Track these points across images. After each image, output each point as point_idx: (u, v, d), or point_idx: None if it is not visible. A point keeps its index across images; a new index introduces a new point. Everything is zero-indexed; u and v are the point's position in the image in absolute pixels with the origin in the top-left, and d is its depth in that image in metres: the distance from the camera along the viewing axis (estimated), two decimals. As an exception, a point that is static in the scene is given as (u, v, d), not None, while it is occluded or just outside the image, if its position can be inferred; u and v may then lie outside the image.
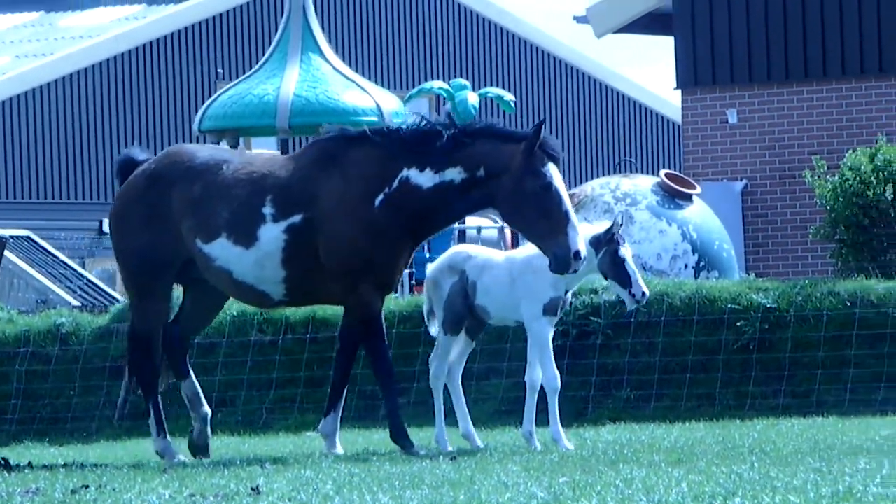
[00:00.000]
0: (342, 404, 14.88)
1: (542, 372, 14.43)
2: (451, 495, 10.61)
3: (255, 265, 14.52)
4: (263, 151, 24.43)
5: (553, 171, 14.26)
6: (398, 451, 14.50)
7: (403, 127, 14.74)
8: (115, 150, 43.60)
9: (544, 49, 50.87)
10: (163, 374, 15.21)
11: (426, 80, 39.62)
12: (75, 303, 28.04)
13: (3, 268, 27.97)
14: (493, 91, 28.72)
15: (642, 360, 18.82)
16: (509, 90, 34.02)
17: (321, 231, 14.43)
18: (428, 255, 23.81)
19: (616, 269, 14.27)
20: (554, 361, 14.47)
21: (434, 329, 14.75)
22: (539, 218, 14.23)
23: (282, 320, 19.52)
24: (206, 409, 15.12)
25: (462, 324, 14.70)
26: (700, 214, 22.52)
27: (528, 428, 14.64)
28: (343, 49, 39.26)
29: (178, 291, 15.57)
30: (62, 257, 31.21)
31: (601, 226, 14.48)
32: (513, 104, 27.95)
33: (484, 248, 15.01)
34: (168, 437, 15.08)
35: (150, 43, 44.75)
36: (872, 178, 23.40)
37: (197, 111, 28.60)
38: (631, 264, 14.31)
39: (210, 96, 29.69)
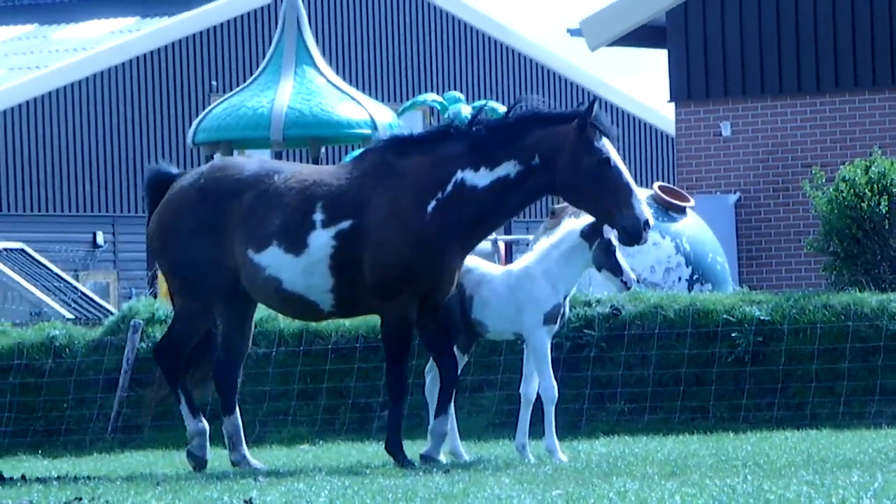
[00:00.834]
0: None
1: (540, 382, 14.46)
2: (444, 508, 10.64)
3: (305, 272, 14.45)
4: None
5: (608, 146, 14.27)
6: (392, 464, 14.49)
7: (459, 127, 14.70)
8: (109, 163, 43.65)
9: (538, 62, 50.92)
10: (198, 387, 15.18)
11: (420, 92, 39.67)
12: (69, 315, 28.05)
13: (-3, 281, 28.02)
14: (489, 104, 28.74)
15: (636, 373, 18.82)
16: (504, 103, 34.05)
17: (368, 238, 14.37)
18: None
19: (609, 260, 14.37)
20: (551, 372, 14.49)
21: None
22: (602, 193, 14.23)
23: (275, 333, 19.50)
24: (244, 449, 15.02)
25: (457, 337, 14.73)
26: (694, 227, 22.53)
27: (522, 440, 14.66)
28: (337, 61, 39.29)
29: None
30: (56, 270, 31.22)
31: (586, 219, 14.52)
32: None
33: (481, 260, 15.00)
34: (204, 420, 14.92)
35: (144, 55, 44.76)
36: (867, 191, 23.40)
37: (191, 123, 28.61)
38: (619, 254, 14.40)
39: (204, 108, 29.69)
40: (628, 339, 18.92)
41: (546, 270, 14.52)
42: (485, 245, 27.39)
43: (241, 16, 46.37)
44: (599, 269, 14.50)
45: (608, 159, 14.22)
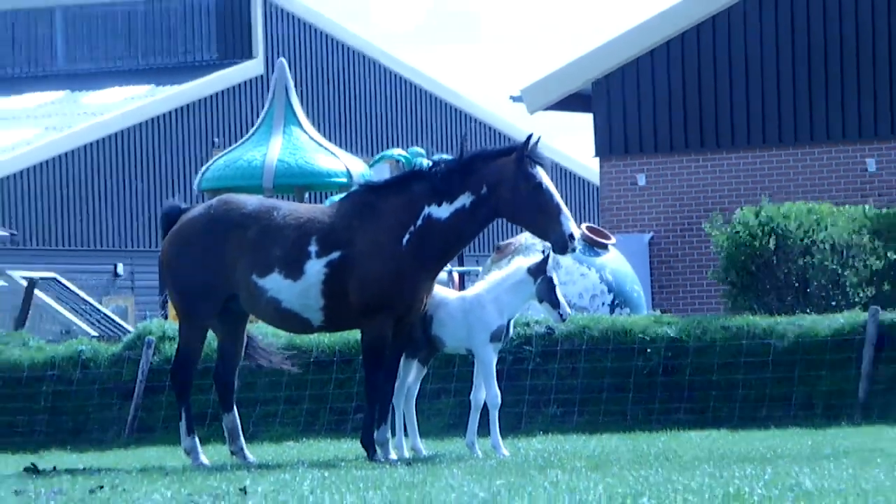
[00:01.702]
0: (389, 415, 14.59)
1: (486, 391, 14.45)
2: (407, 495, 10.58)
3: (301, 294, 14.41)
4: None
5: (542, 173, 14.29)
6: (364, 458, 14.45)
7: (420, 172, 14.73)
8: (127, 207, 43.60)
9: (486, 123, 51.09)
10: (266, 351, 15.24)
11: (388, 147, 39.65)
12: (94, 333, 27.95)
13: (33, 304, 27.86)
14: (444, 157, 28.72)
15: (567, 382, 18.81)
16: (457, 157, 34.03)
17: (354, 267, 14.35)
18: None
19: (550, 294, 14.35)
20: (496, 381, 14.49)
21: None
22: (537, 213, 14.24)
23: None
24: (242, 442, 14.97)
25: (419, 350, 14.71)
26: (615, 261, 22.54)
27: (472, 439, 14.64)
28: (319, 121, 39.24)
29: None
30: (83, 295, 31.12)
31: (533, 258, 14.54)
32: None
33: (440, 287, 15.01)
34: (196, 437, 14.88)
35: (158, 117, 44.78)
36: (758, 232, 23.45)
37: (197, 173, 28.57)
38: (558, 290, 14.40)
39: (207, 161, 29.64)
40: (560, 353, 18.92)
41: (495, 298, 14.53)
42: (442, 275, 27.46)
43: (239, 84, 46.38)
44: (540, 301, 14.50)
45: (541, 184, 14.26)
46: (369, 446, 14.46)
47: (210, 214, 14.77)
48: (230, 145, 31.29)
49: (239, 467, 14.12)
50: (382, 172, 25.52)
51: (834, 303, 22.98)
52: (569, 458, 13.74)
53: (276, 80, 27.92)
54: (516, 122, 49.90)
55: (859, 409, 18.05)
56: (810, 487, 10.27)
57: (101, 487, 11.92)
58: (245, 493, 11.15)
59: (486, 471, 12.58)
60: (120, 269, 42.44)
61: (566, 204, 14.64)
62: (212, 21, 47.22)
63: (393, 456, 14.42)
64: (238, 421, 15.04)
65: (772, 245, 23.30)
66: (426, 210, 14.40)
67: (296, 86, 28.76)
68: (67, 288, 31.02)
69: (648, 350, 18.75)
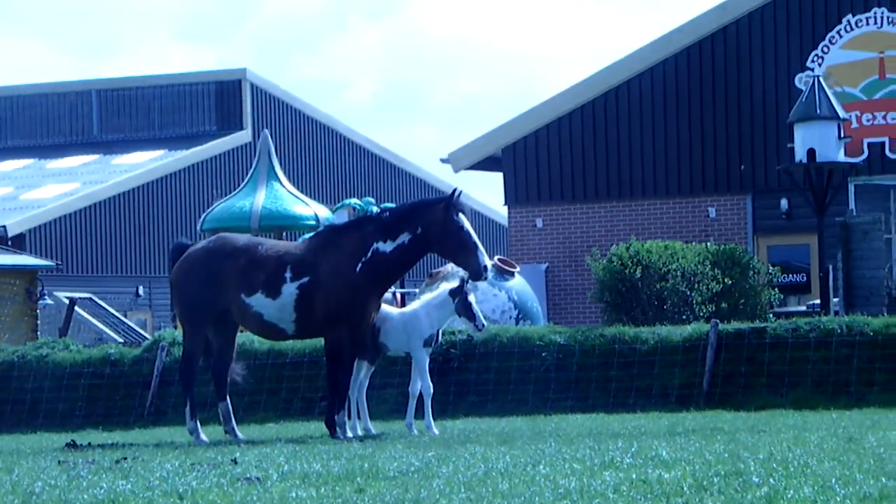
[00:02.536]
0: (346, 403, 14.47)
1: (422, 383, 14.43)
2: (359, 463, 10.54)
3: (278, 310, 14.32)
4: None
5: (463, 219, 14.26)
6: (327, 436, 14.37)
7: (371, 216, 14.71)
8: (146, 242, 43.34)
9: (422, 179, 51.11)
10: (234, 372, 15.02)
11: (347, 197, 39.58)
12: (120, 340, 27.71)
13: (73, 318, 27.64)
14: (389, 205, 28.67)
15: (483, 377, 18.76)
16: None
17: (319, 288, 14.27)
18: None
19: (466, 310, 14.32)
20: (429, 376, 14.45)
21: None
22: (459, 249, 14.19)
23: (252, 351, 19.34)
24: (233, 423, 14.85)
25: (369, 353, 14.67)
26: (520, 284, 22.56)
27: (409, 421, 14.60)
28: (294, 177, 39.13)
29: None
30: (111, 310, 30.87)
31: (454, 284, 14.56)
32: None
33: (386, 305, 14.98)
34: (197, 420, 14.75)
35: (170, 175, 44.61)
36: (628, 262, 23.53)
37: (199, 217, 28.43)
38: (475, 307, 14.37)
39: (209, 207, 29.50)
40: (478, 355, 18.88)
41: (427, 313, 14.53)
42: (388, 296, 27.39)
43: (233, 149, 46.27)
44: (460, 315, 14.51)
45: (462, 227, 14.25)
46: (331, 427, 14.40)
47: (209, 248, 14.73)
48: (226, 195, 31.18)
49: (231, 443, 14.02)
50: (342, 217, 25.46)
51: (684, 316, 23.07)
52: (483, 435, 13.72)
53: (261, 146, 27.83)
54: (445, 179, 50.00)
55: (703, 397, 18.08)
56: (666, 457, 10.29)
57: (125, 458, 11.83)
58: (236, 462, 11.08)
59: (420, 445, 12.56)
60: (141, 290, 42.21)
61: (482, 242, 14.63)
62: (212, 101, 47.10)
63: (349, 434, 14.36)
64: (230, 407, 14.95)
65: (638, 273, 23.39)
66: (374, 245, 14.38)
67: (276, 151, 28.67)
68: (100, 305, 30.77)
69: (544, 353, 18.73)
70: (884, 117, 28.75)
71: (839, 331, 18.04)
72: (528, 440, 12.78)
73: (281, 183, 27.32)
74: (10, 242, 37.97)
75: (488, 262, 14.30)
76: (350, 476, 9.76)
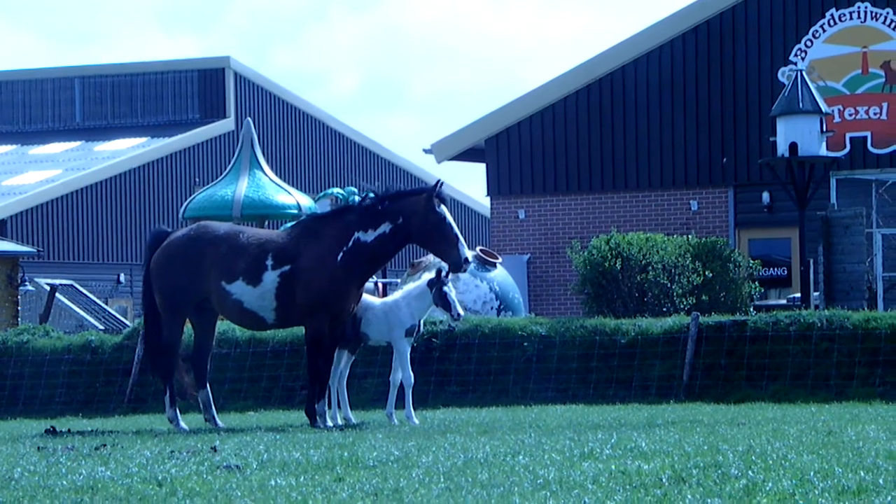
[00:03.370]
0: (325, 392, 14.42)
1: (402, 373, 14.41)
2: (339, 452, 10.53)
3: (259, 297, 14.26)
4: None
5: (445, 210, 14.22)
6: (307, 425, 14.36)
7: (352, 205, 14.65)
8: (127, 230, 43.25)
9: (405, 169, 51.08)
10: (187, 385, 14.90)
11: (329, 187, 39.54)
12: (101, 327, 27.65)
13: (54, 304, 27.56)
14: (370, 193, 28.61)
15: (464, 367, 18.78)
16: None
17: (300, 277, 14.24)
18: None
19: (442, 300, 14.32)
20: (409, 366, 14.45)
21: None
22: (440, 240, 14.14)
23: (233, 340, 19.33)
24: (213, 411, 14.81)
25: (349, 343, 14.66)
26: (501, 275, 22.57)
27: (390, 410, 14.59)
28: (276, 165, 39.09)
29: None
30: (93, 297, 30.79)
31: (432, 274, 14.54)
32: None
33: (367, 295, 14.96)
34: (177, 408, 14.72)
35: (152, 162, 44.50)
36: (608, 255, 23.54)
37: (181, 206, 28.36)
38: (453, 297, 14.36)
39: (190, 196, 29.43)
40: (459, 346, 18.89)
41: (408, 304, 14.52)
42: (369, 285, 27.39)
43: (216, 137, 46.17)
44: (437, 305, 14.51)
45: (444, 218, 14.22)
46: (311, 416, 14.39)
47: (191, 236, 14.68)
48: (208, 183, 31.10)
49: (211, 431, 13.99)
50: (325, 206, 25.43)
51: (665, 309, 23.10)
52: (464, 425, 13.72)
53: (244, 135, 27.75)
54: (428, 169, 49.98)
55: (683, 389, 18.11)
56: (645, 449, 10.30)
57: (105, 445, 11.81)
58: (215, 450, 11.07)
59: (400, 434, 12.55)
60: (122, 278, 42.11)
61: (464, 233, 14.59)
62: (195, 89, 46.99)
63: (329, 423, 14.35)
64: (210, 395, 14.92)
65: (618, 265, 23.40)
66: (356, 235, 14.35)
67: (259, 139, 28.61)
68: (81, 292, 30.68)
69: (525, 343, 18.74)
70: (866, 112, 28.81)
71: (819, 324, 18.08)
72: (508, 430, 12.77)
73: (263, 172, 27.26)
74: (-9, 228, 37.86)
75: (469, 255, 14.28)
76: (330, 465, 9.75)
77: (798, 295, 24.41)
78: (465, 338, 18.87)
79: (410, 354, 14.66)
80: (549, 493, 8.19)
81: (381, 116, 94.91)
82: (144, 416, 18.01)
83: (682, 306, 23.15)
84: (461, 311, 14.35)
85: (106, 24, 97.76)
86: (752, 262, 25.56)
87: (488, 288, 22.15)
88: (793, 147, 23.04)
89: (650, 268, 23.51)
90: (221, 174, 28.87)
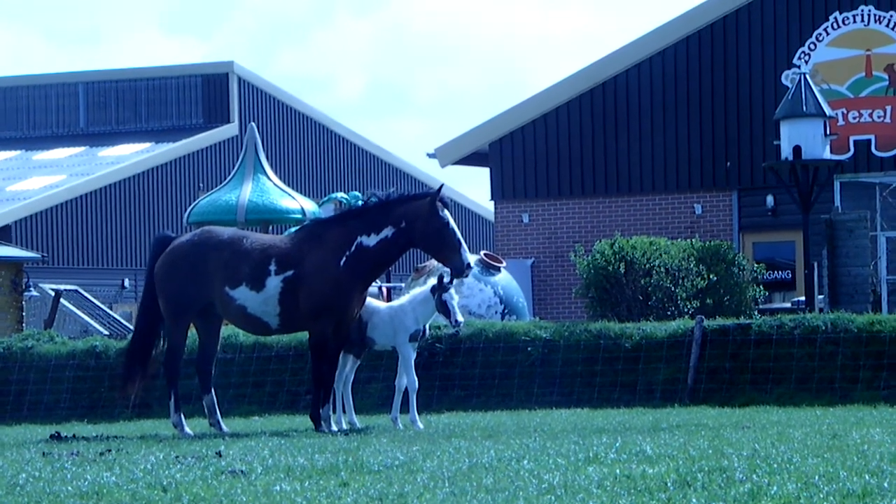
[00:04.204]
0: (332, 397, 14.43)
1: (407, 377, 14.42)
2: (344, 457, 10.54)
3: (263, 303, 14.27)
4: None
5: (447, 215, 14.23)
6: (312, 429, 14.36)
7: (355, 210, 14.65)
8: (132, 235, 43.27)
9: (408, 174, 51.10)
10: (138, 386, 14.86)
11: (333, 191, 39.56)
12: (105, 332, 27.65)
13: (59, 310, 27.57)
14: (376, 192, 28.61)
15: (468, 371, 18.77)
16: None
17: (304, 282, 14.24)
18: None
19: (443, 306, 14.33)
20: (414, 371, 14.45)
21: None
22: (442, 245, 14.15)
23: (237, 345, 19.34)
24: (218, 416, 14.83)
25: (355, 347, 14.67)
26: (505, 279, 22.58)
27: (394, 415, 14.59)
28: (280, 170, 39.11)
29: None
30: (97, 302, 30.80)
31: (433, 281, 14.56)
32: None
33: (372, 299, 14.97)
34: (181, 413, 14.72)
35: (157, 167, 44.53)
36: (612, 259, 23.53)
37: (186, 210, 28.38)
38: (454, 304, 14.35)
39: (195, 200, 29.45)
40: (463, 350, 18.88)
41: (412, 309, 14.54)
42: (374, 290, 27.38)
43: (220, 142, 46.21)
44: (439, 312, 14.52)
45: (447, 223, 14.25)
46: (316, 420, 14.39)
47: (194, 241, 14.69)
48: (212, 188, 31.12)
49: (215, 436, 14.00)
50: (329, 211, 25.42)
51: (669, 312, 23.08)
52: (468, 430, 13.72)
53: (248, 139, 27.78)
54: (432, 174, 49.96)
55: (688, 393, 18.11)
56: (650, 453, 10.30)
57: (109, 451, 11.82)
58: (220, 455, 11.08)
59: (405, 439, 12.55)
60: (126, 282, 42.14)
61: (467, 237, 14.60)
62: (199, 94, 47.03)
63: (334, 428, 14.36)
64: (215, 400, 14.93)
65: (622, 269, 23.38)
66: (358, 239, 14.36)
67: (262, 144, 28.63)
68: (85, 297, 30.68)
69: (529, 348, 18.72)
70: (870, 115, 28.81)
71: (824, 328, 18.07)
72: (512, 435, 12.76)
73: (267, 176, 27.28)
74: (-5, 234, 37.89)
75: (471, 259, 14.28)
76: (334, 470, 9.75)
77: (802, 298, 24.39)
78: (470, 342, 18.87)
79: (415, 359, 14.66)
80: (553, 498, 8.19)
81: (386, 121, 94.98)
82: (149, 421, 18.01)
83: (686, 310, 23.13)
84: (460, 319, 14.35)
85: (110, 28, 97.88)
86: (756, 265, 25.54)
87: (492, 292, 22.15)
88: (797, 150, 23.04)
89: (654, 271, 23.50)
90: (225, 179, 28.89)
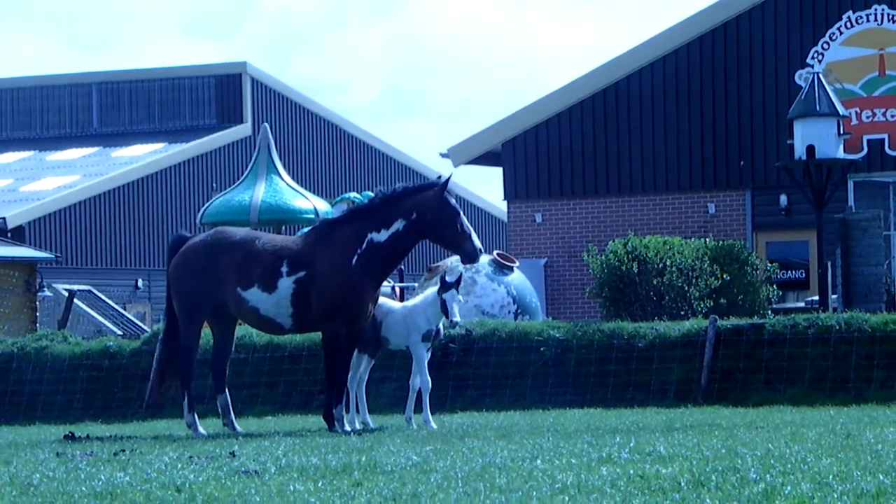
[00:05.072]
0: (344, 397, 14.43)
1: (420, 377, 14.42)
2: (357, 457, 10.54)
3: (275, 304, 14.29)
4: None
5: (455, 203, 14.26)
6: (325, 429, 14.37)
7: (363, 207, 14.65)
8: (145, 235, 43.32)
9: (421, 173, 51.05)
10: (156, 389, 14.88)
11: (346, 191, 39.57)
12: (119, 332, 27.70)
13: (72, 310, 27.62)
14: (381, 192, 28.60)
15: (481, 371, 18.76)
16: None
17: (316, 282, 14.25)
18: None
19: (442, 306, 14.33)
20: (427, 371, 14.45)
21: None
22: (454, 234, 14.17)
23: (251, 345, 19.35)
24: (232, 416, 14.85)
25: (370, 346, 14.68)
26: (519, 279, 22.56)
27: (408, 415, 14.59)
28: (293, 170, 39.15)
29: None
30: (111, 303, 30.86)
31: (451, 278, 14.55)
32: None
33: (387, 299, 14.98)
34: (195, 413, 14.74)
35: (170, 167, 44.59)
36: (625, 258, 23.51)
37: (199, 210, 28.41)
38: (452, 303, 14.30)
39: (208, 201, 29.49)
40: (476, 350, 18.88)
41: (424, 309, 14.55)
42: (387, 290, 27.38)
43: (232, 143, 46.25)
44: (441, 311, 14.50)
45: (459, 211, 14.30)
46: (329, 420, 14.40)
47: (208, 241, 14.71)
48: (225, 188, 31.14)
49: (229, 436, 14.02)
50: (341, 211, 25.40)
51: (682, 312, 23.06)
52: (481, 430, 13.71)
53: (261, 140, 27.80)
54: (445, 174, 49.95)
55: (702, 393, 18.08)
56: (664, 453, 10.29)
57: (123, 451, 11.83)
58: (234, 455, 11.08)
59: (418, 439, 12.55)
60: (140, 283, 42.20)
61: (481, 238, 14.62)
62: (212, 94, 47.08)
63: (347, 428, 14.36)
64: (229, 400, 14.94)
65: (635, 268, 23.37)
66: (369, 236, 14.37)
67: (276, 144, 28.65)
68: (99, 297, 30.74)
69: (542, 348, 18.71)
70: (883, 114, 28.75)
71: (837, 327, 18.04)
72: (525, 435, 12.75)
73: (280, 177, 27.29)
74: (9, 234, 37.98)
75: (480, 247, 14.32)
76: (348, 470, 9.76)
77: (816, 298, 24.35)
78: (483, 342, 18.86)
79: (429, 359, 14.66)
80: (567, 498, 8.18)
81: (400, 122, 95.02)
82: (163, 421, 18.03)
83: (699, 309, 23.11)
84: (457, 319, 14.31)
85: (124, 30, 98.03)
86: (769, 264, 25.51)
87: (505, 292, 22.14)
88: (810, 150, 23.00)
89: (667, 271, 23.48)
90: (239, 179, 28.91)
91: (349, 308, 14.20)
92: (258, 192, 26.75)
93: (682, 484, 8.49)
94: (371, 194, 28.53)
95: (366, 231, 14.32)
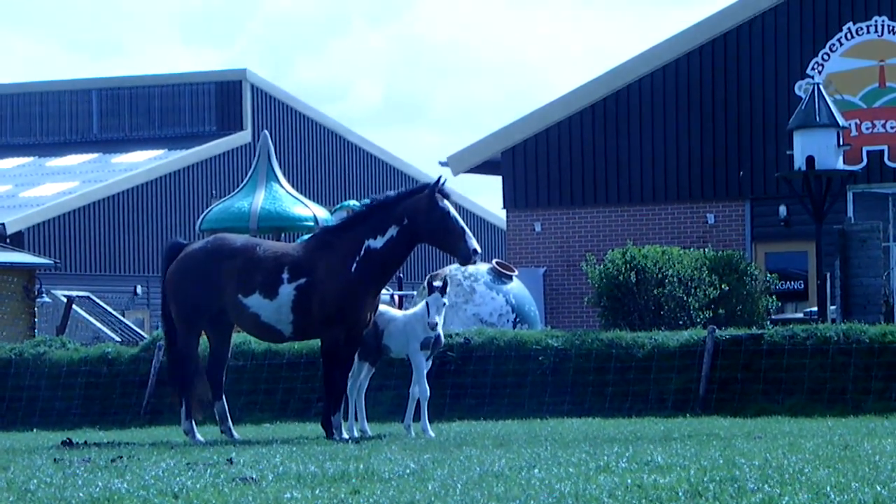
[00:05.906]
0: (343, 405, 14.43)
1: (419, 385, 14.41)
2: (355, 465, 10.54)
3: (275, 311, 14.28)
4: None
5: (448, 204, 14.22)
6: (323, 437, 14.36)
7: (359, 214, 14.63)
8: (144, 241, 43.34)
9: (420, 181, 51.10)
10: (195, 405, 14.79)
11: (346, 199, 39.61)
12: (118, 339, 27.70)
13: (71, 316, 27.63)
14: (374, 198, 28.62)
15: (479, 380, 18.75)
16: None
17: (316, 289, 14.25)
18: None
19: (425, 307, 14.28)
20: (426, 379, 14.45)
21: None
22: (446, 235, 14.17)
23: (249, 352, 19.34)
24: (230, 423, 14.83)
25: (371, 354, 14.68)
26: (517, 288, 22.57)
27: (408, 422, 14.59)
28: (293, 178, 39.14)
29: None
30: (109, 309, 30.87)
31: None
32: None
33: (388, 307, 14.99)
34: (193, 421, 14.73)
35: (170, 174, 44.62)
36: (623, 268, 23.52)
37: (198, 217, 28.43)
38: (434, 306, 14.25)
39: (207, 207, 29.50)
40: (475, 358, 18.87)
41: (420, 318, 14.55)
42: (386, 297, 27.40)
43: (232, 150, 46.29)
44: None
45: (449, 213, 14.25)
46: (328, 428, 14.39)
47: (208, 248, 14.70)
48: (224, 196, 31.16)
49: (227, 443, 14.01)
50: (341, 219, 25.42)
51: (681, 322, 23.06)
52: (479, 438, 13.70)
53: (261, 147, 27.83)
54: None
55: (700, 403, 18.08)
56: (662, 462, 10.29)
57: (121, 457, 11.83)
58: (231, 462, 11.08)
59: (416, 447, 12.54)
60: (138, 289, 42.21)
61: (480, 244, 14.59)
62: (212, 101, 47.12)
63: (345, 435, 14.36)
64: (226, 407, 14.93)
65: (633, 278, 23.37)
66: (366, 243, 14.38)
67: (276, 152, 28.68)
68: (98, 304, 30.75)
69: (541, 357, 18.70)
70: (883, 125, 28.77)
71: (836, 338, 18.04)
72: (523, 443, 12.75)
73: (280, 184, 27.32)
74: (8, 240, 37.96)
75: (477, 247, 14.26)
76: (345, 477, 9.75)
77: (815, 309, 24.35)
78: (481, 350, 18.86)
79: (428, 368, 14.65)
80: (564, 507, 8.18)
81: (400, 130, 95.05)
82: (161, 428, 18.02)
83: (698, 320, 23.10)
84: (435, 321, 14.27)
85: (124, 36, 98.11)
86: (768, 275, 25.52)
87: (504, 301, 22.14)
88: (810, 161, 23.02)
89: (666, 281, 23.48)
90: (238, 186, 28.94)
91: (349, 315, 14.21)
92: (258, 200, 26.77)
93: (680, 494, 8.48)
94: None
95: (363, 238, 14.34)
